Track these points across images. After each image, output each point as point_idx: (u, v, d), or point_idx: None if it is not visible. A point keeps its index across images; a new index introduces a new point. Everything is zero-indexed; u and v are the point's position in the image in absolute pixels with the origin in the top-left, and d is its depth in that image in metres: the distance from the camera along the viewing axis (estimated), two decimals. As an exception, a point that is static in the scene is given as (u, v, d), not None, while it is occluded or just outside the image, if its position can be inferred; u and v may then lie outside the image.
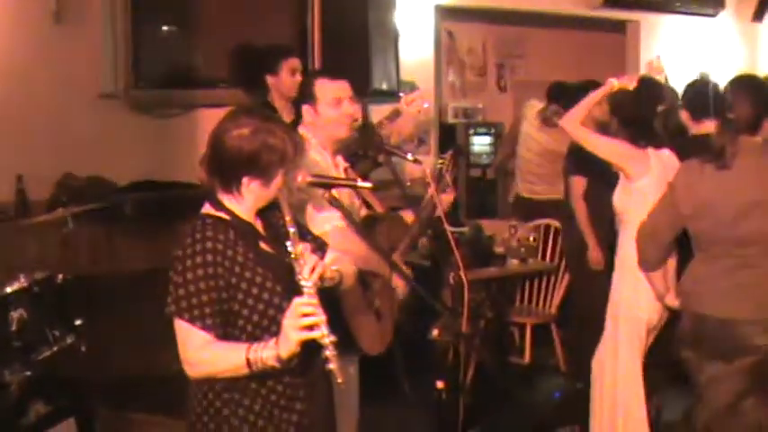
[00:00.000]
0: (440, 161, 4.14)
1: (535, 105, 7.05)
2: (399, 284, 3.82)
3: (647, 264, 4.17)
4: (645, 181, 4.44)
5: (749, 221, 3.72)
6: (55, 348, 4.53)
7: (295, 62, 5.37)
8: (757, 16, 9.77)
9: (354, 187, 3.54)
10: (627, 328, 4.51)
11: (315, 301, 2.53)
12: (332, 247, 3.13)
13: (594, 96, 4.81)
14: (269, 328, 2.65)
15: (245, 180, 2.68)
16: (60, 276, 4.76)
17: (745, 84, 4.10)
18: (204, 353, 2.60)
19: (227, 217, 2.71)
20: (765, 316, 3.73)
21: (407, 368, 4.19)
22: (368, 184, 3.29)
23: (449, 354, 4.36)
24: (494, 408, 4.94)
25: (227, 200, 2.74)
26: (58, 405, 4.40)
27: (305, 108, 3.80)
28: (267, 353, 2.53)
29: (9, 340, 4.38)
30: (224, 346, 2.61)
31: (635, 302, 4.47)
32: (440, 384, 3.64)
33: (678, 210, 3.88)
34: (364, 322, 3.57)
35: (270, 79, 5.35)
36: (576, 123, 4.76)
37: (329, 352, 2.49)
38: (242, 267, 2.66)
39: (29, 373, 4.32)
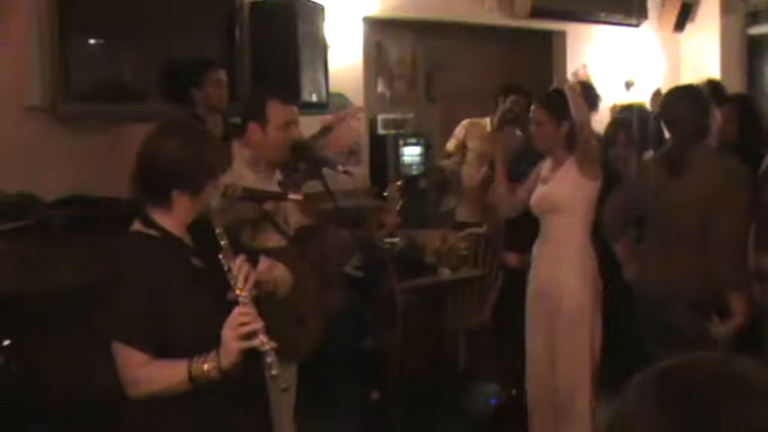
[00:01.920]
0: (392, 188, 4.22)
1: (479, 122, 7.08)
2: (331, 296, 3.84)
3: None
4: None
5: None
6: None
7: (218, 74, 5.40)
8: (678, 26, 10.00)
9: (285, 200, 3.55)
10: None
11: (252, 309, 2.54)
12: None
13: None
14: (205, 343, 2.62)
15: (175, 193, 2.67)
16: (-13, 293, 4.69)
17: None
18: (143, 371, 2.58)
19: (157, 234, 2.70)
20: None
21: (342, 378, 4.21)
22: (299, 197, 3.31)
23: (382, 364, 4.38)
24: (429, 416, 4.96)
25: (156, 215, 2.71)
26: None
27: (253, 126, 3.81)
28: (209, 365, 2.54)
29: (-66, 361, 4.30)
30: (163, 363, 2.60)
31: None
32: (374, 394, 3.67)
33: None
34: (287, 329, 3.59)
35: (195, 93, 5.33)
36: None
37: (270, 359, 2.50)
38: (175, 284, 2.65)
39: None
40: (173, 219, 2.73)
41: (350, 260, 5.65)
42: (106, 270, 2.69)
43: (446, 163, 7.25)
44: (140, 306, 2.58)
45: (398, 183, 4.31)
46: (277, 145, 3.83)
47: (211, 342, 2.59)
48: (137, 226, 2.73)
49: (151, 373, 2.59)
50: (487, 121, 6.96)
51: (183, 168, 2.66)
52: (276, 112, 3.85)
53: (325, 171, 4.09)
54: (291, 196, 3.32)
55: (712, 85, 7.05)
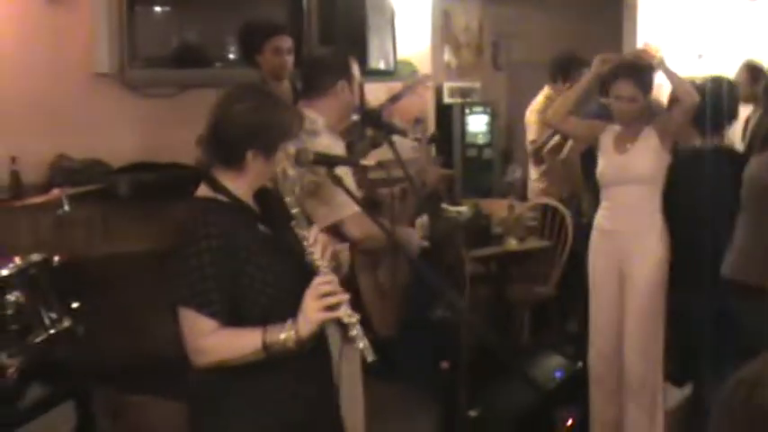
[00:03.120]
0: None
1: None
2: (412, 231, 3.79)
3: None
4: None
5: None
6: (52, 331, 4.50)
7: (280, 40, 5.15)
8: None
9: (357, 165, 3.50)
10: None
11: (334, 279, 2.51)
12: (353, 233, 3.14)
13: (582, 85, 4.88)
14: (276, 311, 2.58)
15: (249, 154, 2.62)
16: (56, 258, 4.73)
17: None
18: (214, 339, 2.53)
19: (225, 199, 2.66)
20: None
21: (411, 348, 4.17)
22: (370, 163, 3.26)
23: (451, 334, 4.33)
24: (495, 387, 4.91)
25: (226, 179, 2.67)
26: (56, 388, 4.39)
27: (341, 84, 3.73)
28: (285, 334, 2.50)
29: (5, 323, 4.35)
30: (235, 331, 2.56)
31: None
32: (443, 364, 3.63)
33: None
34: (375, 303, 3.55)
35: (258, 58, 5.23)
36: (563, 117, 4.85)
37: (355, 331, 2.46)
38: (246, 251, 2.59)
39: (25, 356, 4.31)
40: (243, 182, 2.68)
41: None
42: (175, 235, 2.62)
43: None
44: (211, 273, 2.52)
45: (431, 133, 4.20)
46: (354, 101, 3.77)
47: (283, 310, 2.55)
48: (203, 191, 2.69)
49: (222, 341, 2.54)
50: (549, 91, 6.78)
51: (258, 128, 2.62)
52: (355, 69, 3.79)
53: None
54: (364, 162, 3.27)
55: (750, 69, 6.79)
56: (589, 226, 5.02)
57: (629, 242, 4.65)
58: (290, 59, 5.16)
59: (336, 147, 3.50)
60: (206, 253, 2.53)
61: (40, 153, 5.82)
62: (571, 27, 8.69)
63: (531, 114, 6.82)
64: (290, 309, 2.53)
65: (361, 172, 3.79)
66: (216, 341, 2.54)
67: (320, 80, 3.75)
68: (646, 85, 4.61)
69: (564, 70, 6.66)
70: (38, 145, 5.81)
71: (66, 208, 4.91)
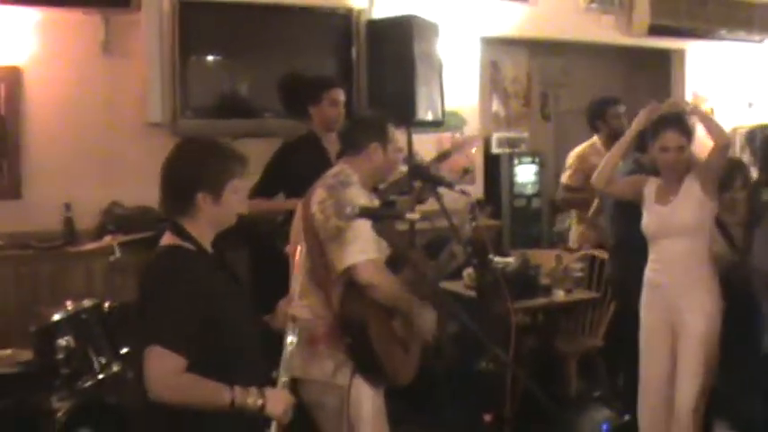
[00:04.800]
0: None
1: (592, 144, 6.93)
2: (432, 317, 3.82)
3: None
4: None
5: None
6: (101, 376, 4.57)
7: (336, 93, 5.38)
8: (804, 44, 9.69)
9: (402, 219, 3.54)
10: None
11: None
12: (362, 279, 3.24)
13: (623, 143, 4.86)
14: (237, 359, 2.80)
15: (198, 197, 2.80)
16: (107, 304, 4.81)
17: None
18: (185, 380, 2.67)
19: (192, 248, 2.83)
20: None
21: (454, 399, 4.16)
22: (416, 216, 3.30)
23: (495, 385, 4.33)
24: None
25: (188, 225, 2.84)
26: (105, 432, 4.43)
27: (374, 146, 3.83)
28: (252, 401, 2.72)
29: (56, 367, 4.42)
30: (205, 381, 2.70)
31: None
32: (487, 417, 3.63)
33: None
34: (390, 353, 3.60)
35: (312, 110, 5.38)
36: (608, 180, 4.84)
37: None
38: (218, 299, 2.77)
39: (75, 399, 4.36)
40: (201, 228, 2.86)
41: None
42: (150, 281, 2.80)
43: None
44: (185, 316, 2.67)
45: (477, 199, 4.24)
46: (392, 165, 3.89)
47: (240, 356, 2.80)
48: (170, 239, 2.85)
49: (191, 384, 2.68)
50: (596, 139, 6.83)
51: (202, 170, 2.82)
52: (394, 133, 3.89)
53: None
54: (409, 215, 3.30)
55: None
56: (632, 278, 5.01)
57: (678, 296, 4.58)
58: (343, 112, 5.31)
59: (363, 199, 3.60)
60: (183, 296, 2.69)
61: (94, 200, 5.94)
62: (619, 77, 8.71)
63: (570, 158, 6.86)
64: (247, 354, 2.80)
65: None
66: (186, 382, 2.68)
67: (355, 140, 3.88)
68: (689, 133, 4.60)
69: (600, 114, 6.71)
70: (91, 192, 5.93)
71: (118, 254, 5.01)
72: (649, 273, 4.77)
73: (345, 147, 3.94)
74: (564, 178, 6.86)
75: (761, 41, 9.48)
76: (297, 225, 3.81)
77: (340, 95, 5.37)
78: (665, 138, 4.58)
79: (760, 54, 9.58)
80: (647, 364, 4.76)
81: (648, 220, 4.72)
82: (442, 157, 5.09)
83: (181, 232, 2.84)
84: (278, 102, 6.26)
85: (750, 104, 9.37)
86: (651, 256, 4.76)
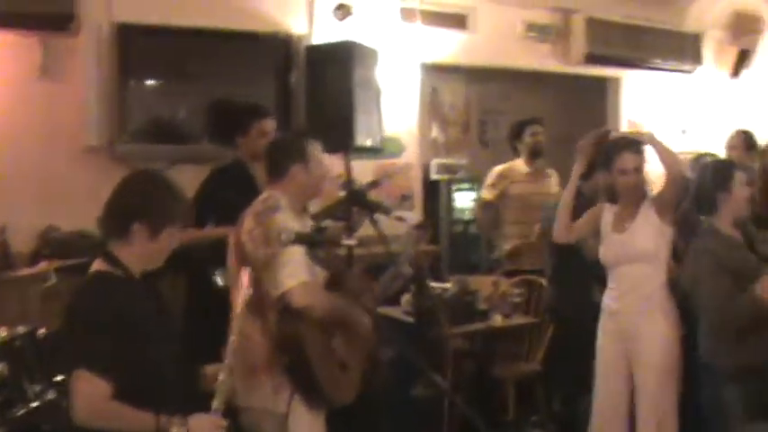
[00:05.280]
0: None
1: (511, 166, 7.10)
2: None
3: None
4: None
5: None
6: (35, 404, 4.49)
7: (265, 124, 5.24)
8: (735, 73, 9.92)
9: (339, 245, 3.57)
10: None
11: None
12: (297, 303, 3.27)
13: (571, 188, 4.86)
14: (161, 388, 2.81)
15: (134, 226, 2.83)
16: (41, 331, 4.74)
17: None
18: (111, 405, 2.69)
19: (121, 274, 2.85)
20: None
21: (393, 425, 4.18)
22: (351, 242, 3.32)
23: (433, 411, 4.35)
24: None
25: (120, 252, 2.87)
26: (39, 462, 4.36)
27: (296, 167, 3.85)
28: (176, 429, 2.73)
29: (-12, 395, 4.35)
30: (130, 409, 2.71)
31: None
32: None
33: None
34: (329, 373, 3.61)
35: (240, 140, 5.29)
36: (568, 231, 4.84)
37: None
38: (143, 327, 2.80)
39: (8, 428, 4.29)
40: (133, 256, 2.88)
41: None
42: (75, 307, 2.81)
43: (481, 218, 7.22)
44: (110, 341, 2.69)
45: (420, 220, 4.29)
46: (319, 181, 3.91)
47: (162, 386, 2.82)
48: (100, 265, 2.88)
49: (118, 411, 2.69)
50: (518, 162, 7.00)
51: (145, 203, 2.86)
52: (314, 149, 3.91)
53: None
54: (345, 241, 3.32)
55: (744, 135, 7.03)
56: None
57: (635, 324, 4.59)
58: None
59: (292, 224, 3.62)
60: (106, 322, 2.71)
61: (30, 224, 5.88)
62: (556, 104, 8.82)
63: (490, 177, 7.08)
64: (171, 382, 2.82)
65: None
66: (111, 408, 2.70)
67: (277, 164, 3.91)
68: (643, 156, 4.67)
69: (518, 134, 7.06)
70: (27, 216, 5.87)
71: (53, 280, 4.95)
72: (607, 299, 4.78)
73: (269, 172, 3.95)
74: (483, 194, 7.04)
75: (693, 71, 9.67)
76: (231, 254, 3.82)
77: (269, 126, 5.25)
78: (623, 160, 4.62)
79: (692, 83, 9.78)
80: (603, 392, 4.74)
81: (606, 249, 4.74)
82: (373, 184, 5.10)
83: (111, 259, 2.85)
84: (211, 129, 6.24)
85: (683, 132, 9.55)
86: (609, 284, 4.77)
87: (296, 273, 3.55)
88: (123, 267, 2.85)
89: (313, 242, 3.23)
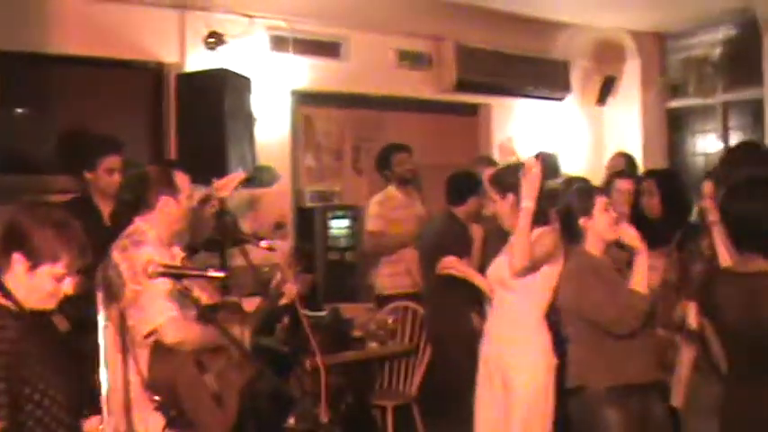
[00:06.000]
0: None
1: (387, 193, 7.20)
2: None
3: None
4: None
5: None
6: None
7: (112, 162, 5.10)
8: (601, 100, 10.21)
9: (206, 277, 3.51)
10: None
11: None
12: (167, 340, 3.22)
13: (525, 224, 4.41)
14: (50, 425, 2.73)
15: (14, 256, 2.75)
16: None
17: None
18: None
19: (13, 307, 2.76)
20: None
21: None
22: (219, 274, 3.27)
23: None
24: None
25: (8, 283, 2.78)
26: None
27: (164, 199, 3.80)
28: None
29: None
30: None
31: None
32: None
33: None
34: (202, 408, 3.57)
35: (87, 174, 5.14)
36: (529, 262, 4.45)
37: None
38: (31, 361, 2.71)
39: None
40: (19, 287, 2.78)
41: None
42: None
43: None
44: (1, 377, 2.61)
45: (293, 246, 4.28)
46: (187, 214, 3.87)
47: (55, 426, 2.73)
48: None
49: None
50: (391, 189, 7.09)
51: (25, 236, 2.76)
52: (183, 181, 3.88)
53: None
54: (212, 273, 3.28)
55: (625, 158, 7.26)
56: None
57: (505, 351, 4.56)
58: (119, 179, 5.09)
59: (159, 257, 3.54)
60: None
61: None
62: (429, 131, 8.92)
63: (371, 206, 7.17)
64: (58, 418, 2.73)
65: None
66: None
67: (145, 196, 3.88)
68: (503, 185, 4.69)
69: (386, 162, 7.21)
70: None
71: None
72: (487, 322, 4.75)
73: (137, 204, 3.89)
74: (368, 226, 7.04)
75: (561, 99, 9.92)
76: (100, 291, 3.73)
77: (116, 164, 5.10)
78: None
79: (562, 110, 10.03)
80: (479, 417, 4.72)
81: (489, 270, 4.74)
82: (205, 200, 4.98)
83: (2, 288, 2.76)
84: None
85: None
86: (489, 307, 4.77)
87: (165, 308, 3.51)
88: (11, 298, 2.76)
89: (180, 274, 3.18)
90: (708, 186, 4.58)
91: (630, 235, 4.21)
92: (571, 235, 4.44)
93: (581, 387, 4.27)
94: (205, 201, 4.94)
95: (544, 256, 4.43)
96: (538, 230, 4.44)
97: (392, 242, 6.97)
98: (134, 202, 3.86)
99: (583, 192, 4.57)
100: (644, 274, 4.13)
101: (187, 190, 3.90)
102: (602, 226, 4.32)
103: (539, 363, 4.50)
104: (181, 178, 3.90)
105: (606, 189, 5.30)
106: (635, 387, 4.19)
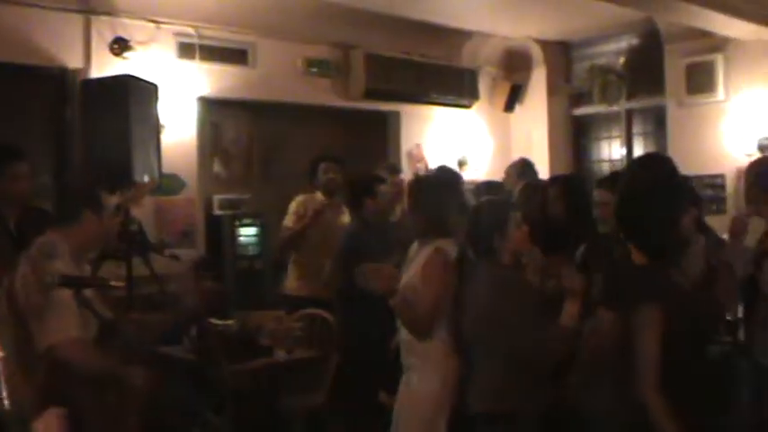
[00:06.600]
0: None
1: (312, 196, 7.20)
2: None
3: None
4: None
5: None
6: None
7: (17, 167, 5.00)
8: (508, 107, 10.36)
9: (107, 287, 3.48)
10: None
11: None
12: (63, 358, 3.16)
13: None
14: None
15: None
16: None
17: None
18: None
19: None
20: None
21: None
22: (120, 284, 3.25)
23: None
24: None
25: None
26: None
27: (88, 215, 3.76)
28: None
29: None
30: None
31: None
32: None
33: None
34: (102, 427, 3.53)
35: None
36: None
37: None
38: None
39: None
40: None
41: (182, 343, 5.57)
42: None
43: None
44: None
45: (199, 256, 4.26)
46: (108, 231, 3.83)
47: None
48: None
49: None
50: (317, 194, 7.10)
51: None
52: (107, 200, 3.85)
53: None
54: (113, 283, 3.25)
55: (524, 162, 7.38)
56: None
57: (408, 357, 4.50)
58: (28, 185, 5.00)
59: (70, 271, 3.50)
60: None
61: None
62: (338, 139, 8.93)
63: (292, 204, 7.16)
64: None
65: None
66: None
67: (67, 210, 3.84)
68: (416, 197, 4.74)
69: (313, 172, 7.16)
70: None
71: None
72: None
73: (58, 215, 3.85)
74: (286, 222, 7.10)
75: (469, 106, 10.02)
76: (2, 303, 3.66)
77: (21, 170, 5.00)
78: None
79: (470, 117, 10.14)
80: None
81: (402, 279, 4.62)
82: (117, 210, 4.92)
83: None
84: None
85: (461, 163, 9.87)
86: None
87: (64, 326, 3.44)
88: None
89: (80, 285, 3.14)
90: (599, 194, 4.73)
91: (574, 282, 4.06)
92: (478, 252, 4.28)
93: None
94: (116, 212, 4.88)
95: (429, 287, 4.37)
96: (434, 243, 4.46)
97: (288, 236, 7.00)
98: (59, 213, 3.80)
99: (496, 208, 4.42)
100: (572, 318, 3.96)
101: (110, 210, 3.86)
102: (516, 241, 4.21)
103: (428, 387, 4.39)
104: (105, 198, 3.86)
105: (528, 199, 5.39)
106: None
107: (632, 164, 4.76)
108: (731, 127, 8.64)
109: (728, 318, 5.09)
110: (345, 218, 7.07)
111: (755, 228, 4.89)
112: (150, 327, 3.95)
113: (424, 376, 4.40)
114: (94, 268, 4.18)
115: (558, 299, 4.06)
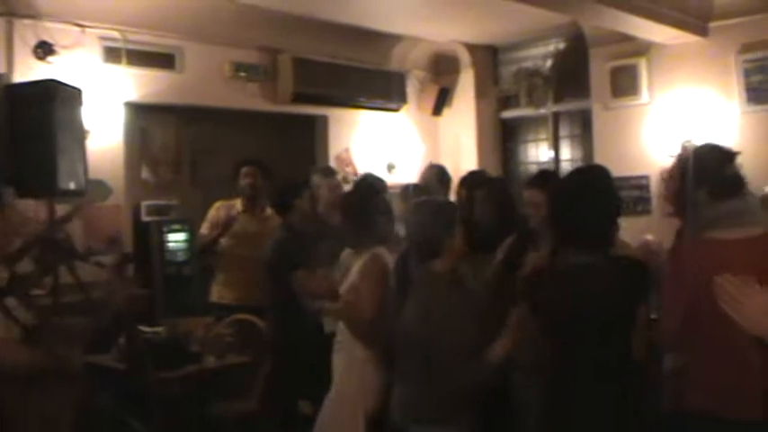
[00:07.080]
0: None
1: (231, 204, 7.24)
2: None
3: None
4: None
5: None
6: None
7: None
8: (436, 111, 10.45)
9: (27, 295, 3.45)
10: None
11: None
12: None
13: None
14: None
15: None
16: None
17: None
18: None
19: None
20: None
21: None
22: (41, 291, 3.22)
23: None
24: None
25: None
26: None
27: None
28: None
29: None
30: None
31: None
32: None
33: None
34: (28, 429, 3.50)
35: None
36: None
37: None
38: None
39: None
40: None
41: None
42: None
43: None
44: None
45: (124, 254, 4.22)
46: (15, 230, 3.79)
47: None
48: None
49: None
50: (238, 201, 7.13)
51: None
52: (11, 198, 3.81)
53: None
54: (34, 291, 3.22)
55: (437, 169, 7.43)
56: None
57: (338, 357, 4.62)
58: None
59: None
60: None
61: None
62: (266, 143, 8.91)
63: (210, 210, 7.30)
64: None
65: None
66: None
67: None
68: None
69: (234, 176, 7.31)
70: None
71: None
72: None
73: None
74: (203, 228, 7.28)
75: (399, 109, 10.07)
76: None
77: None
78: None
79: (398, 121, 10.19)
80: None
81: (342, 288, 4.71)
82: (61, 221, 4.91)
83: None
84: None
85: (390, 167, 9.92)
86: None
87: None
88: None
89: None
90: (530, 194, 4.83)
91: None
92: (422, 255, 4.17)
93: None
94: (65, 219, 4.86)
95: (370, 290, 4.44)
96: (371, 250, 4.49)
97: (201, 244, 7.15)
98: None
99: (442, 210, 4.27)
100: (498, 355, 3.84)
101: (14, 207, 3.82)
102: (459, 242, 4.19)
103: (353, 376, 4.50)
104: (8, 195, 3.82)
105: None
106: None
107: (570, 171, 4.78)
108: (655, 129, 8.80)
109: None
110: (271, 223, 7.07)
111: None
112: (72, 331, 3.90)
113: (343, 379, 4.52)
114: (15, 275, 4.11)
115: (490, 297, 4.15)
